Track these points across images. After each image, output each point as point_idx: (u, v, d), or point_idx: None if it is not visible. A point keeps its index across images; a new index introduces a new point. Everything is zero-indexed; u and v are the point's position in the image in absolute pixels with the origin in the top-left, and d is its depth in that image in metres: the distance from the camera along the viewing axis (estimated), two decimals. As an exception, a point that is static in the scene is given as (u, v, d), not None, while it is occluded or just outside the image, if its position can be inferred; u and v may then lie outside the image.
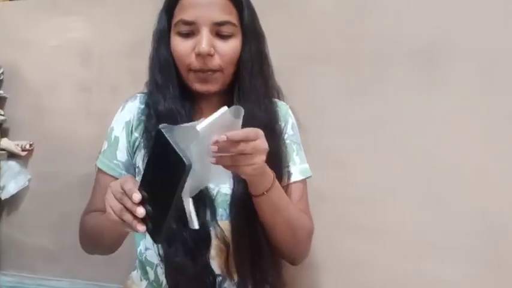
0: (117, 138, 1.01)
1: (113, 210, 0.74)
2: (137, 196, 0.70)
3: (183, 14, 0.90)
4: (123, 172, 1.00)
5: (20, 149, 1.54)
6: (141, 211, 0.70)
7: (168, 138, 0.67)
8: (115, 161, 1.00)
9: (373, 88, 1.22)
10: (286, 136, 1.03)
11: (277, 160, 0.95)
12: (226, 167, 0.77)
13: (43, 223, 1.54)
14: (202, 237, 0.92)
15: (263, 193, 0.85)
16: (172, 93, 0.95)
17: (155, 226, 0.71)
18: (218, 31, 0.91)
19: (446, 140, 1.17)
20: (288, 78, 1.17)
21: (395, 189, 1.21)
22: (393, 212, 1.22)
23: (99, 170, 1.02)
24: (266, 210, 0.89)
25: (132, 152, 1.01)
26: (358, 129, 1.24)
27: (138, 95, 1.04)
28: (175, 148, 0.66)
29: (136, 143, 1.00)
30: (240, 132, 0.74)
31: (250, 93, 0.96)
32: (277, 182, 0.87)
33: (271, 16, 1.09)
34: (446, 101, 1.17)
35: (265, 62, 1.00)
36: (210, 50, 0.89)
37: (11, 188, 1.52)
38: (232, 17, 0.92)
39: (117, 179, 0.97)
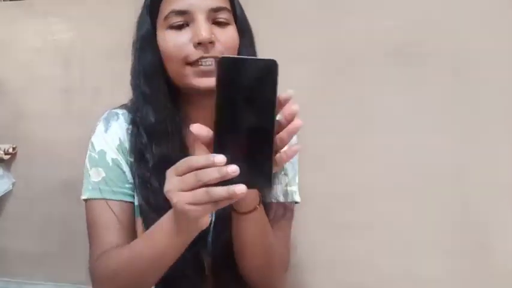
0: (116, 161, 0.88)
1: (195, 203, 0.58)
2: (220, 157, 0.56)
3: (173, 4, 0.81)
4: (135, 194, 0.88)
5: (2, 152, 1.52)
6: (233, 168, 0.55)
7: (238, 56, 0.58)
8: (127, 185, 0.87)
9: (352, 87, 1.23)
10: None
11: None
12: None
13: (26, 227, 1.53)
14: (197, 262, 0.86)
15: (254, 208, 0.76)
16: (163, 102, 0.85)
17: (257, 174, 0.57)
18: (215, 18, 0.81)
19: (426, 137, 1.18)
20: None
21: (377, 188, 1.22)
22: (376, 210, 1.23)
23: (104, 201, 0.85)
24: (248, 231, 0.80)
25: (133, 176, 0.88)
26: (339, 128, 1.24)
27: (120, 112, 0.92)
28: (252, 58, 0.56)
29: (133, 169, 0.88)
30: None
31: None
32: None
33: (250, 16, 1.09)
34: (423, 99, 1.18)
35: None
36: (211, 36, 0.79)
37: (-5, 193, 1.52)
38: (227, 5, 0.84)
39: (132, 203, 0.88)
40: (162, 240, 0.71)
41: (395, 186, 1.21)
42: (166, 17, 0.82)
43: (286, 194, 0.95)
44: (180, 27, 0.81)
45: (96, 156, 0.89)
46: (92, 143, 0.90)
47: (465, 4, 1.15)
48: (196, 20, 0.80)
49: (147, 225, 0.83)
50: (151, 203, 0.84)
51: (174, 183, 0.60)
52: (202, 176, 0.57)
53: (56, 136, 1.48)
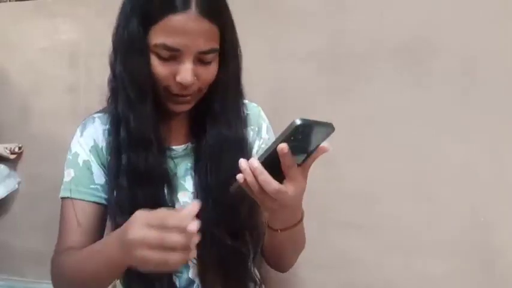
0: (87, 163, 0.94)
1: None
2: (194, 225, 0.62)
3: (166, 38, 0.80)
4: (103, 195, 0.94)
5: (8, 152, 1.53)
6: (192, 227, 0.62)
7: (312, 120, 0.69)
8: (92, 186, 0.93)
9: (358, 86, 1.23)
10: (261, 141, 1.02)
11: None
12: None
13: (33, 226, 1.54)
14: None
15: (278, 230, 0.83)
16: (147, 110, 0.87)
17: None
18: (201, 59, 0.84)
19: (433, 137, 1.18)
20: (273, 78, 1.17)
21: (384, 187, 1.22)
22: (383, 209, 1.22)
23: (71, 200, 0.93)
24: (285, 243, 0.87)
25: (107, 174, 0.94)
26: (345, 128, 1.23)
27: (96, 116, 0.99)
28: (317, 122, 0.69)
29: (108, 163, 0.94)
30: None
31: (221, 115, 0.91)
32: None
33: (253, 16, 1.10)
34: (431, 98, 1.18)
35: (240, 82, 0.95)
36: (193, 79, 0.83)
37: (0, 192, 1.51)
38: (216, 43, 0.85)
39: (98, 204, 0.93)
40: (102, 262, 0.75)
41: (401, 186, 1.21)
42: (156, 46, 0.82)
43: None
44: (166, 60, 0.83)
45: (71, 158, 0.97)
46: (70, 147, 0.98)
47: (474, 2, 1.15)
48: (183, 62, 0.82)
49: (111, 220, 0.91)
50: (116, 199, 0.89)
51: (139, 233, 0.64)
52: (167, 240, 0.62)
53: (62, 135, 1.46)
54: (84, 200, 0.93)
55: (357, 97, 1.24)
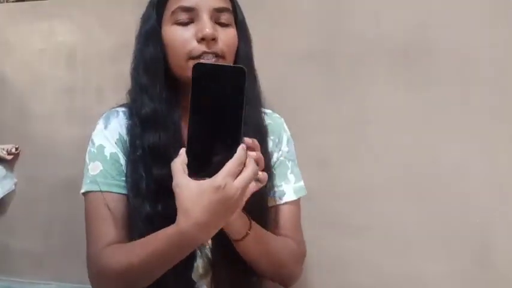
0: (114, 155, 0.90)
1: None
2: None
3: (181, 1, 0.86)
4: None
5: (5, 152, 1.53)
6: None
7: (210, 63, 0.66)
8: (124, 178, 0.89)
9: (355, 86, 1.24)
10: (280, 153, 0.99)
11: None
12: None
13: (30, 227, 1.54)
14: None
15: (246, 234, 0.81)
16: (159, 92, 0.88)
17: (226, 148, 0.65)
18: (217, 18, 0.87)
19: (428, 138, 1.19)
20: (270, 78, 1.17)
21: (379, 187, 1.23)
22: (378, 209, 1.23)
23: (101, 194, 0.88)
24: (250, 253, 0.85)
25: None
26: (341, 128, 1.25)
27: (120, 110, 0.95)
28: (223, 64, 0.65)
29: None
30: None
31: None
32: (253, 222, 0.83)
33: (252, 16, 1.09)
34: (427, 98, 1.19)
35: (254, 64, 0.96)
36: (214, 33, 0.85)
37: (-3, 193, 1.52)
38: (230, 6, 0.90)
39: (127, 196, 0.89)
40: (183, 244, 0.74)
41: (396, 186, 1.22)
42: (173, 13, 0.87)
43: (297, 190, 1.00)
44: (185, 24, 0.87)
45: (95, 150, 0.92)
46: (92, 139, 0.93)
47: (470, 3, 1.16)
48: (201, 18, 0.86)
49: (131, 210, 0.87)
50: (136, 188, 0.87)
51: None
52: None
53: (59, 136, 1.49)
54: (115, 193, 0.88)
55: (354, 97, 1.24)
